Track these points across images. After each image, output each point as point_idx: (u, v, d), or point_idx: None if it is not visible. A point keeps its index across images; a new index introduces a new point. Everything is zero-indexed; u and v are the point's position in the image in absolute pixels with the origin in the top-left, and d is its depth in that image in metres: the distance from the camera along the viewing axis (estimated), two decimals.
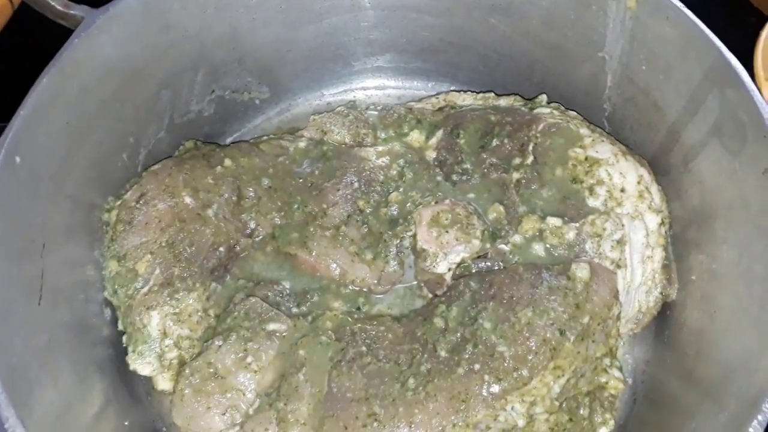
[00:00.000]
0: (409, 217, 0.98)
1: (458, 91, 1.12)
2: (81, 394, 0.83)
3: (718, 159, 0.89)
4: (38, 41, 0.85)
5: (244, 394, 0.86)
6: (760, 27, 1.13)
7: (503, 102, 1.09)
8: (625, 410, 0.97)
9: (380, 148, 1.03)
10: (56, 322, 0.83)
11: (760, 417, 0.68)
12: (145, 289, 0.91)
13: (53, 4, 0.84)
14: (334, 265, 0.97)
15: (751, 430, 0.68)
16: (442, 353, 0.87)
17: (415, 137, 1.05)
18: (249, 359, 0.88)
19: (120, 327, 0.92)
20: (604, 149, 0.98)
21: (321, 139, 1.04)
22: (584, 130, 1.01)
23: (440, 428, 0.82)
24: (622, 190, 0.96)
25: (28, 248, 0.81)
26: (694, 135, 0.93)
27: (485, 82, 1.15)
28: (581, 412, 0.88)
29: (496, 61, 1.14)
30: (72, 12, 0.84)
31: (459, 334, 0.88)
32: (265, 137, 1.07)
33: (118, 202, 0.95)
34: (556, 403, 0.86)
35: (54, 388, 0.78)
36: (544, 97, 1.08)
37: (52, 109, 0.83)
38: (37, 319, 0.79)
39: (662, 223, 0.97)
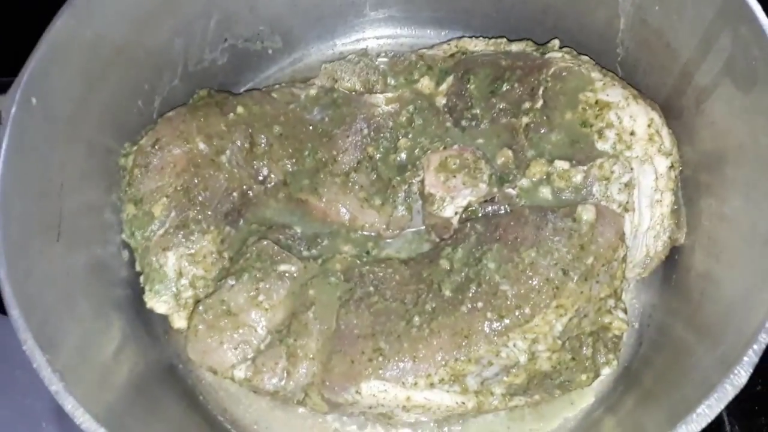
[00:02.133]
0: (417, 162, 0.99)
1: (470, 37, 1.12)
2: (100, 329, 0.87)
3: (729, 98, 0.88)
4: None
5: (255, 331, 0.89)
6: None
7: (515, 47, 1.08)
8: (630, 353, 0.98)
9: (390, 95, 1.04)
10: (74, 261, 0.87)
11: (755, 346, 0.69)
12: (161, 231, 0.94)
13: None
14: (344, 211, 0.99)
15: (746, 358, 0.69)
16: (447, 293, 0.88)
17: (426, 83, 1.05)
18: (260, 298, 0.91)
19: (137, 268, 0.95)
20: (614, 93, 0.97)
21: (332, 86, 1.05)
22: (595, 74, 1.00)
23: (443, 363, 0.85)
24: (632, 134, 0.95)
25: (46, 187, 0.84)
26: (707, 75, 0.91)
27: (499, 29, 1.14)
28: (584, 351, 0.89)
29: (508, 6, 1.13)
30: None
31: (463, 275, 0.89)
32: (277, 86, 1.08)
33: (135, 148, 0.98)
34: (559, 342, 0.87)
35: (72, 320, 0.82)
36: (556, 42, 1.07)
37: (66, 53, 0.86)
38: (55, 255, 0.83)
39: (672, 167, 0.96)
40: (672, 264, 0.98)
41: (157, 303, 0.93)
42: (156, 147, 0.97)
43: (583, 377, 0.89)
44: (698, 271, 0.94)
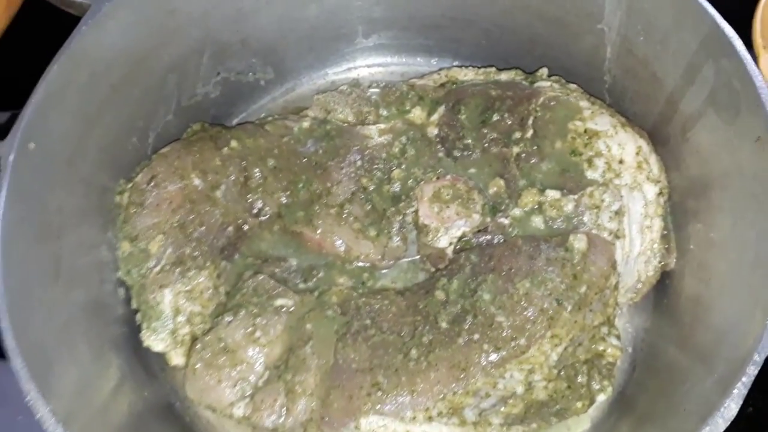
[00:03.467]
0: (411, 193, 1.01)
1: (460, 67, 1.13)
2: (98, 370, 0.88)
3: (714, 128, 0.90)
4: (48, 30, 0.88)
5: (253, 367, 0.90)
6: None
7: (504, 76, 1.09)
8: (624, 377, 0.99)
9: (382, 126, 1.05)
10: (73, 302, 0.87)
11: (744, 379, 0.70)
12: (158, 268, 0.94)
13: None
14: (339, 242, 1.00)
15: (735, 391, 0.70)
16: (443, 324, 0.89)
17: (417, 114, 1.06)
18: (258, 334, 0.91)
19: (134, 306, 0.95)
20: (603, 121, 0.99)
21: (324, 118, 1.07)
22: (584, 103, 1.01)
23: (441, 396, 0.86)
24: (621, 162, 0.97)
25: (44, 231, 0.85)
26: (692, 105, 0.93)
27: (488, 57, 1.16)
28: (579, 379, 0.90)
29: (497, 35, 1.14)
30: (79, 0, 0.87)
31: (459, 306, 0.90)
32: (270, 118, 1.09)
33: (130, 185, 0.98)
34: (554, 371, 0.88)
35: (72, 364, 0.82)
36: (544, 71, 1.08)
37: (63, 96, 0.86)
38: (55, 298, 0.83)
39: (661, 193, 0.98)
40: (663, 289, 1.00)
41: (155, 341, 0.93)
42: (151, 184, 0.97)
43: (579, 405, 0.90)
44: (688, 295, 0.95)
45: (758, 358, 0.70)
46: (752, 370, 0.70)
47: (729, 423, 0.70)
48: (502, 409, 0.88)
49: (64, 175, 0.88)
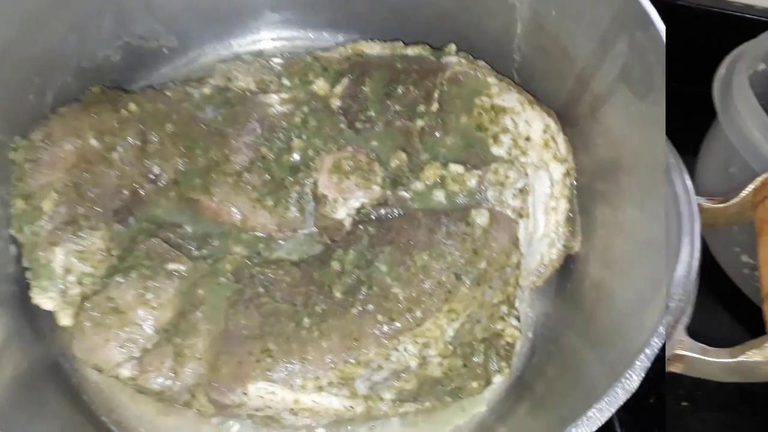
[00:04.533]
0: (310, 164, 0.98)
1: (366, 40, 1.10)
2: None
3: (625, 105, 0.88)
4: None
5: (142, 329, 0.87)
6: None
7: (411, 51, 1.06)
8: (523, 362, 0.97)
9: (284, 96, 1.02)
10: None
11: (648, 350, 0.69)
12: (50, 227, 0.91)
13: None
14: (236, 211, 0.97)
15: (638, 363, 0.68)
16: (338, 294, 0.87)
17: (321, 85, 1.03)
18: (148, 296, 0.88)
19: (25, 263, 0.91)
20: (510, 98, 0.98)
21: (226, 86, 1.03)
22: (491, 79, 1.00)
23: (332, 365, 0.83)
24: (527, 139, 0.96)
25: None
26: (603, 82, 0.92)
27: (396, 34, 1.12)
28: (476, 358, 0.88)
29: (406, 12, 1.12)
30: None
31: (355, 277, 0.88)
32: (171, 84, 1.05)
33: (25, 142, 0.95)
34: (450, 348, 0.86)
35: None
36: (453, 46, 1.05)
37: None
38: None
39: (567, 174, 0.98)
40: (566, 273, 0.99)
41: (44, 299, 0.89)
42: (47, 141, 0.94)
43: (475, 384, 0.88)
44: (592, 280, 0.94)
45: (662, 330, 0.70)
46: (657, 342, 0.69)
47: (630, 395, 0.68)
48: (395, 383, 0.86)
49: None
